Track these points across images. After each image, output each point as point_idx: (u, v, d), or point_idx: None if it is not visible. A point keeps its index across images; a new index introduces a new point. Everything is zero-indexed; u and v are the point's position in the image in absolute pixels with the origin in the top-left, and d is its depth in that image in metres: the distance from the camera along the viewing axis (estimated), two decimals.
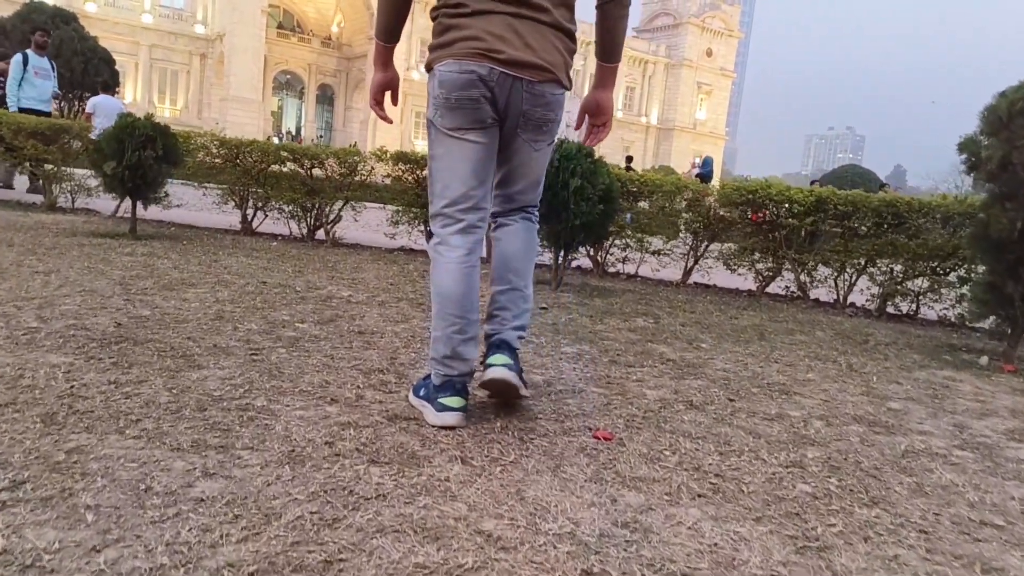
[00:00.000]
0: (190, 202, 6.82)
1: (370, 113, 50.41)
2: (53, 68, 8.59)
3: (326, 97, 57.98)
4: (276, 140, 50.30)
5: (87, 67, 23.87)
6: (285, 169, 6.35)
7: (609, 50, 1.95)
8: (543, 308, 3.86)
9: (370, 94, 2.03)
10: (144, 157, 4.92)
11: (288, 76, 56.12)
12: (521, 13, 1.76)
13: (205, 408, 1.82)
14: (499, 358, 1.91)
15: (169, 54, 50.07)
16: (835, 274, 5.21)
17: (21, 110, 7.88)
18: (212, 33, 50.01)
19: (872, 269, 5.06)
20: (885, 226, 4.93)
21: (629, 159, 18.00)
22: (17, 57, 8.24)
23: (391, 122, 2.09)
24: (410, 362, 2.49)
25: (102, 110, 10.39)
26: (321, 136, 57.18)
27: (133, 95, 48.76)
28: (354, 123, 55.23)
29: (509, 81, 1.77)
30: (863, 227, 5.01)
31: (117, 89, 31.02)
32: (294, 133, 55.83)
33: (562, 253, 4.70)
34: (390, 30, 1.94)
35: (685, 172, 16.63)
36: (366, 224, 6.61)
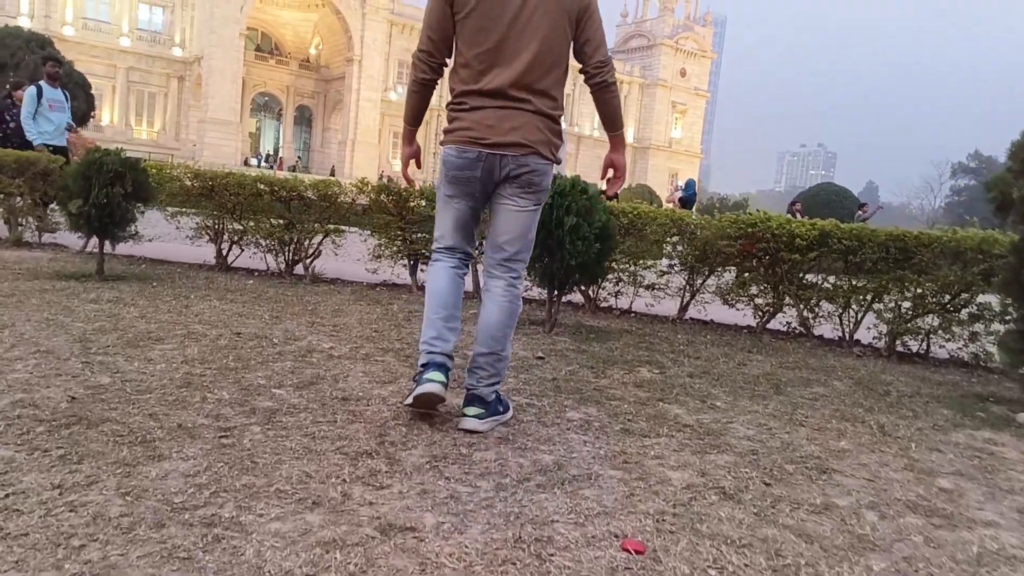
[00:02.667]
0: (163, 233, 6.47)
1: (348, 133, 50.65)
2: (67, 99, 7.94)
3: (304, 118, 57.67)
4: (254, 161, 49.96)
5: (62, 92, 23.37)
6: (263, 196, 6.05)
7: (608, 122, 2.52)
8: (540, 358, 3.60)
9: (401, 165, 2.77)
10: (112, 194, 4.62)
11: (266, 98, 55.77)
12: (507, 106, 2.28)
13: (163, 523, 1.53)
14: (471, 410, 2.36)
15: (147, 77, 49.57)
16: (839, 310, 5.02)
17: (32, 146, 7.30)
18: (190, 56, 49.60)
19: (878, 305, 4.87)
20: (891, 261, 4.74)
21: None
22: (31, 90, 7.56)
23: (415, 184, 2.88)
24: (401, 439, 2.22)
25: None
26: (300, 157, 56.77)
27: (110, 118, 48.16)
28: (332, 144, 54.94)
29: (496, 158, 2.29)
30: (868, 262, 4.81)
31: (93, 114, 30.53)
32: (273, 155, 55.38)
33: (556, 293, 4.45)
34: (416, 117, 2.55)
35: (668, 196, 16.51)
36: (346, 254, 6.31)
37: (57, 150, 7.41)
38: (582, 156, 64.51)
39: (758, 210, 5.52)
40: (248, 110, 53.21)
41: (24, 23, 40.94)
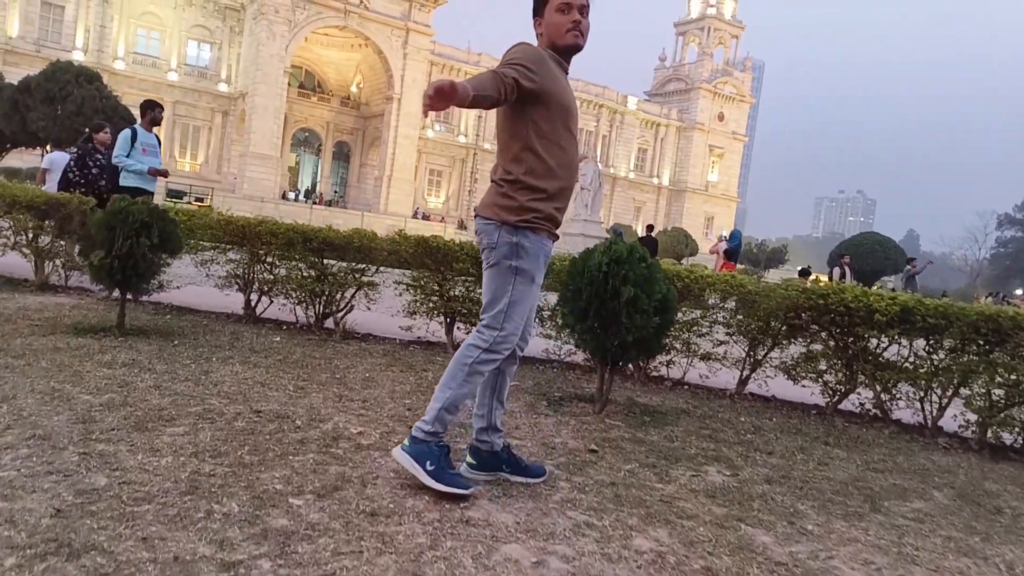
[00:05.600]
0: (192, 274, 6.21)
1: (385, 169, 51.17)
2: (159, 143, 7.51)
3: (342, 154, 58.52)
4: (291, 195, 50.58)
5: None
6: (296, 245, 5.77)
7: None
8: (593, 451, 3.19)
9: None
10: (137, 245, 4.36)
11: (306, 133, 56.78)
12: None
13: None
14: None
15: (192, 111, 50.82)
16: (920, 393, 4.53)
17: (123, 189, 6.88)
18: (235, 91, 50.82)
19: (966, 391, 4.37)
20: (982, 342, 4.26)
21: (650, 228, 17.44)
22: (125, 132, 7.12)
23: None
24: None
25: (56, 166, 9.87)
26: (336, 192, 57.49)
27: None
28: (368, 180, 55.53)
29: None
30: (955, 342, 4.34)
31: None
32: (311, 189, 56.17)
33: (609, 370, 4.04)
34: None
35: (712, 247, 16.03)
36: (380, 303, 5.93)
37: (146, 195, 6.97)
38: (617, 198, 64.33)
39: (808, 274, 5.08)
40: (288, 145, 54.18)
41: (78, 56, 42.50)
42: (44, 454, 2.41)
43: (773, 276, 60.45)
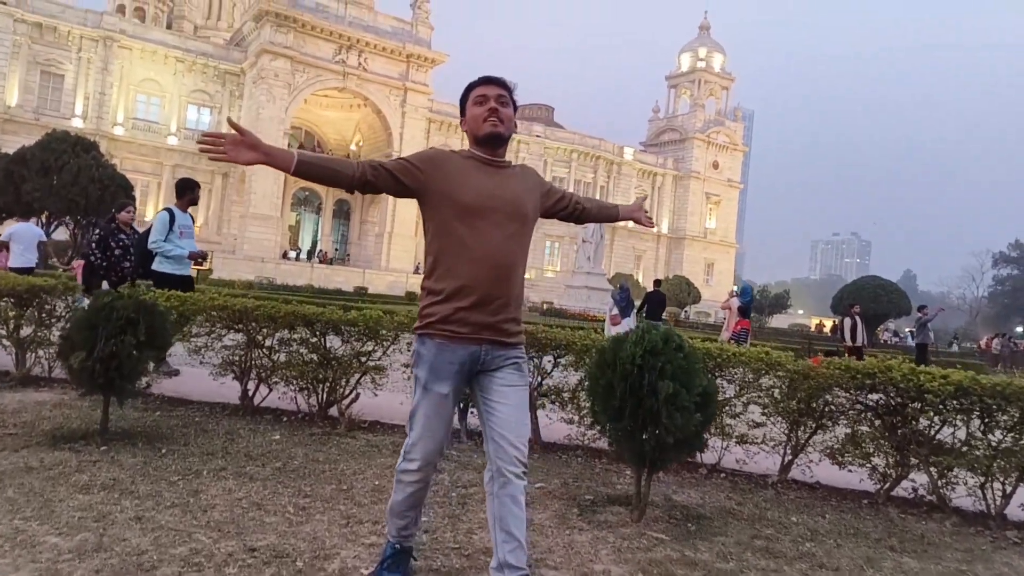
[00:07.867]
0: (182, 353, 5.76)
1: (386, 227, 51.27)
2: (193, 222, 7.10)
3: (343, 211, 58.75)
4: (292, 255, 50.47)
5: (103, 195, 23.78)
6: (297, 328, 5.41)
7: None
8: None
9: None
10: (123, 344, 4.00)
11: (306, 192, 57.09)
12: None
13: None
14: None
15: (192, 173, 50.54)
16: (983, 480, 4.12)
17: (158, 276, 6.56)
18: None
19: None
20: None
21: (657, 283, 17.12)
22: (163, 215, 6.70)
23: None
24: None
25: (19, 238, 9.43)
26: (337, 250, 57.55)
27: (155, 213, 49.41)
28: (369, 236, 55.62)
29: None
30: (1014, 421, 3.97)
31: (130, 208, 31.13)
32: (312, 248, 56.20)
33: (646, 474, 3.62)
34: None
35: (723, 302, 15.70)
36: (385, 384, 5.50)
37: (183, 280, 6.66)
38: (617, 248, 64.37)
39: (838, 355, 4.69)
40: (289, 204, 54.40)
41: (78, 123, 42.91)
42: None
43: (778, 321, 60.17)
